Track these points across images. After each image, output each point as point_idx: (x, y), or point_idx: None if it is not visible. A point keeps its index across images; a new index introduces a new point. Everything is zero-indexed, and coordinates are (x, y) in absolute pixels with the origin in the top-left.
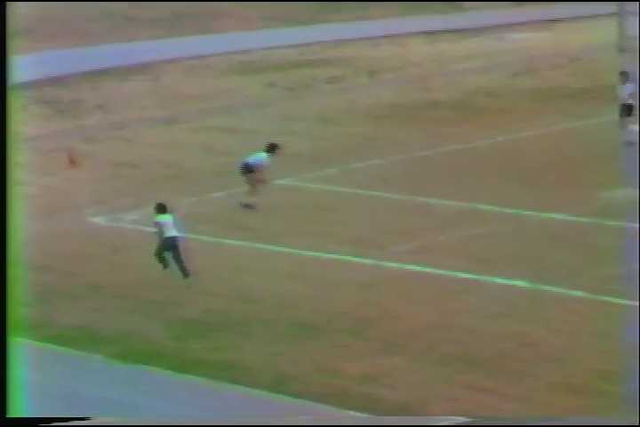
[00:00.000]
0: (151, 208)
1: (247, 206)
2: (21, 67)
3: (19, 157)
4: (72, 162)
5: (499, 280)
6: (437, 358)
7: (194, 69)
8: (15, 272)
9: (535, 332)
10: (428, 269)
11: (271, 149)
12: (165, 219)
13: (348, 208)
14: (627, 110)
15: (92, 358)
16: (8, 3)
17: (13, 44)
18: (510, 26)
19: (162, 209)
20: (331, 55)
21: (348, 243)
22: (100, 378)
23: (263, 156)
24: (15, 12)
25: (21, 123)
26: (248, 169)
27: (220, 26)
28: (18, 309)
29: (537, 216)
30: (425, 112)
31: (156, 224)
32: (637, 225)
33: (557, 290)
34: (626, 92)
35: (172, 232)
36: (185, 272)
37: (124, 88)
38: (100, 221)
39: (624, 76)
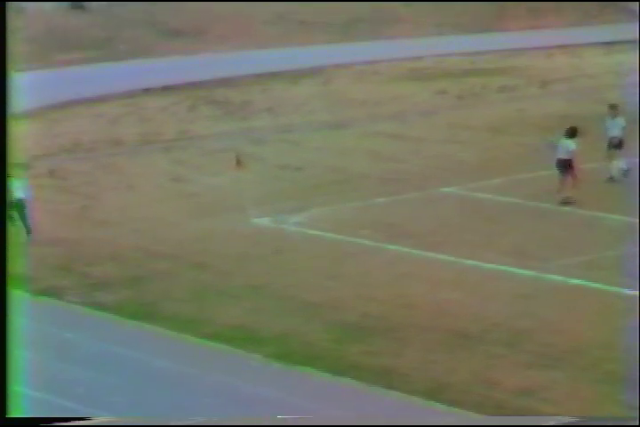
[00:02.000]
0: (315, 211)
1: (568, 202)
2: (192, 67)
3: (183, 156)
4: (239, 163)
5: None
6: (600, 376)
7: (364, 75)
8: (173, 269)
9: None
10: (594, 285)
11: (573, 133)
12: (18, 184)
13: (513, 219)
14: (617, 145)
15: (250, 357)
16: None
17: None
18: None
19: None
20: (503, 64)
21: (510, 254)
22: (258, 377)
23: (569, 142)
24: (184, 12)
25: (189, 122)
26: (565, 163)
27: (393, 32)
28: (171, 304)
29: None
30: (596, 124)
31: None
32: None
33: None
34: (618, 125)
35: (19, 195)
36: (28, 230)
37: (294, 91)
38: (263, 222)
39: (614, 109)
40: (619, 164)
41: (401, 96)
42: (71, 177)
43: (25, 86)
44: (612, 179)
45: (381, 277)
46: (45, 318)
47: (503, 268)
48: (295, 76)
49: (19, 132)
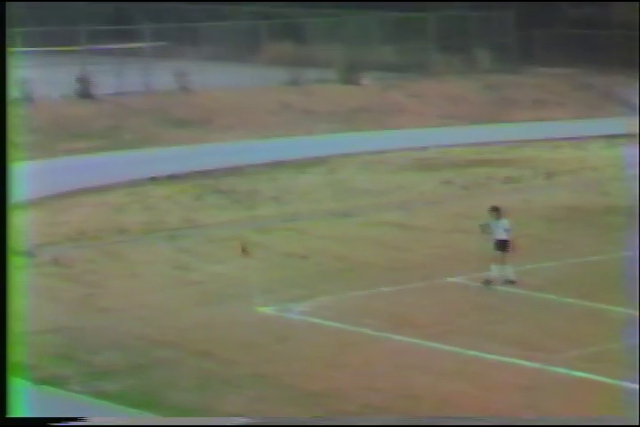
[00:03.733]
0: (320, 299)
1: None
2: (197, 156)
3: (187, 244)
4: (244, 251)
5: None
6: None
7: (369, 164)
8: (177, 357)
9: None
10: (598, 377)
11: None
12: None
13: (517, 309)
14: (502, 246)
15: None
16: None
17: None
18: None
19: None
20: (508, 155)
21: (513, 344)
22: None
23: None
24: (190, 102)
25: (194, 211)
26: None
27: (397, 122)
28: (174, 392)
29: None
30: (600, 217)
31: None
32: None
33: None
34: (501, 227)
35: None
36: None
37: (300, 180)
38: (268, 310)
39: (497, 211)
40: (506, 268)
41: (406, 186)
42: (75, 265)
43: (30, 175)
44: (487, 282)
45: (384, 367)
46: (47, 407)
47: (507, 359)
48: (301, 165)
49: (23, 221)
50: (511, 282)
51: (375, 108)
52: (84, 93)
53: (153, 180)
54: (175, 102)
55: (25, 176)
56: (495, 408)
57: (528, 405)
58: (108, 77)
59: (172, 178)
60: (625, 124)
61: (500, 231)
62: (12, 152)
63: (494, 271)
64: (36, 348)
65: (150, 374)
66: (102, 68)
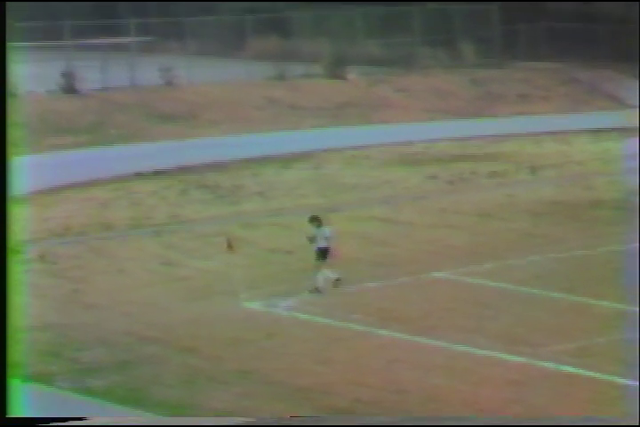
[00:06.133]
0: (306, 295)
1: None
2: (183, 151)
3: (173, 240)
4: (229, 247)
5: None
6: None
7: (354, 159)
8: (163, 353)
9: None
10: (585, 372)
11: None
12: None
13: (503, 304)
14: (323, 254)
15: None
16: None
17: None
18: None
19: None
20: (492, 150)
21: (500, 339)
22: None
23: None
24: (176, 97)
25: (180, 206)
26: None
27: (383, 116)
28: (160, 389)
29: None
30: (585, 211)
31: None
32: None
33: None
34: (323, 236)
35: None
36: None
37: (285, 176)
38: (254, 306)
39: (317, 220)
40: (326, 274)
41: (391, 181)
42: (61, 261)
43: (15, 171)
44: (317, 290)
45: (372, 363)
46: (34, 404)
47: (494, 353)
48: (286, 160)
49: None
50: (338, 280)
51: (361, 103)
52: (70, 89)
53: (139, 175)
54: (161, 97)
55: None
56: (483, 403)
57: (516, 400)
58: (94, 73)
59: (157, 173)
60: (610, 118)
61: (322, 240)
62: (5, 148)
63: (319, 280)
64: (23, 345)
65: (136, 370)
66: (87, 63)
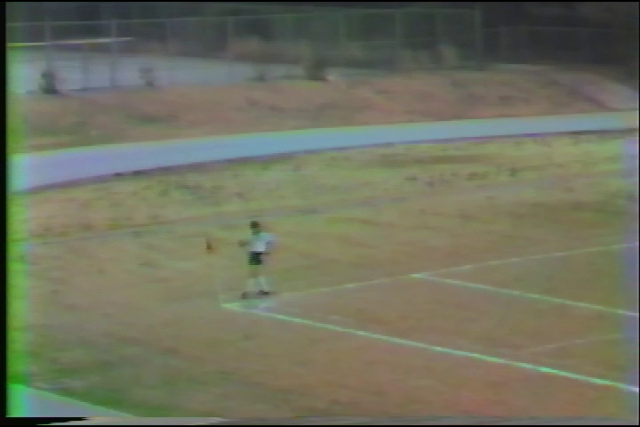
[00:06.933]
0: (285, 296)
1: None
2: (163, 152)
3: (153, 240)
4: (209, 248)
5: (637, 390)
6: None
7: (335, 161)
8: (143, 354)
9: None
10: (564, 373)
11: (257, 225)
12: None
13: (482, 306)
14: (257, 258)
15: None
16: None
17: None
18: None
19: None
20: (473, 152)
21: (480, 341)
22: None
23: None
24: (157, 98)
25: (160, 207)
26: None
27: (364, 118)
28: (140, 390)
29: None
30: (566, 213)
31: None
32: None
33: None
34: (262, 241)
35: None
36: None
37: (265, 177)
38: (233, 307)
39: (256, 226)
40: (260, 282)
41: (372, 182)
42: (41, 262)
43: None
44: (245, 295)
45: (351, 364)
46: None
47: (473, 355)
48: (266, 161)
49: None
50: (265, 293)
51: (342, 105)
52: (50, 89)
53: (119, 176)
54: (142, 98)
55: None
56: (463, 404)
57: (496, 401)
58: (75, 73)
59: (137, 174)
60: (591, 120)
61: (259, 244)
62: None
63: (251, 284)
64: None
65: (116, 371)
66: (68, 63)
